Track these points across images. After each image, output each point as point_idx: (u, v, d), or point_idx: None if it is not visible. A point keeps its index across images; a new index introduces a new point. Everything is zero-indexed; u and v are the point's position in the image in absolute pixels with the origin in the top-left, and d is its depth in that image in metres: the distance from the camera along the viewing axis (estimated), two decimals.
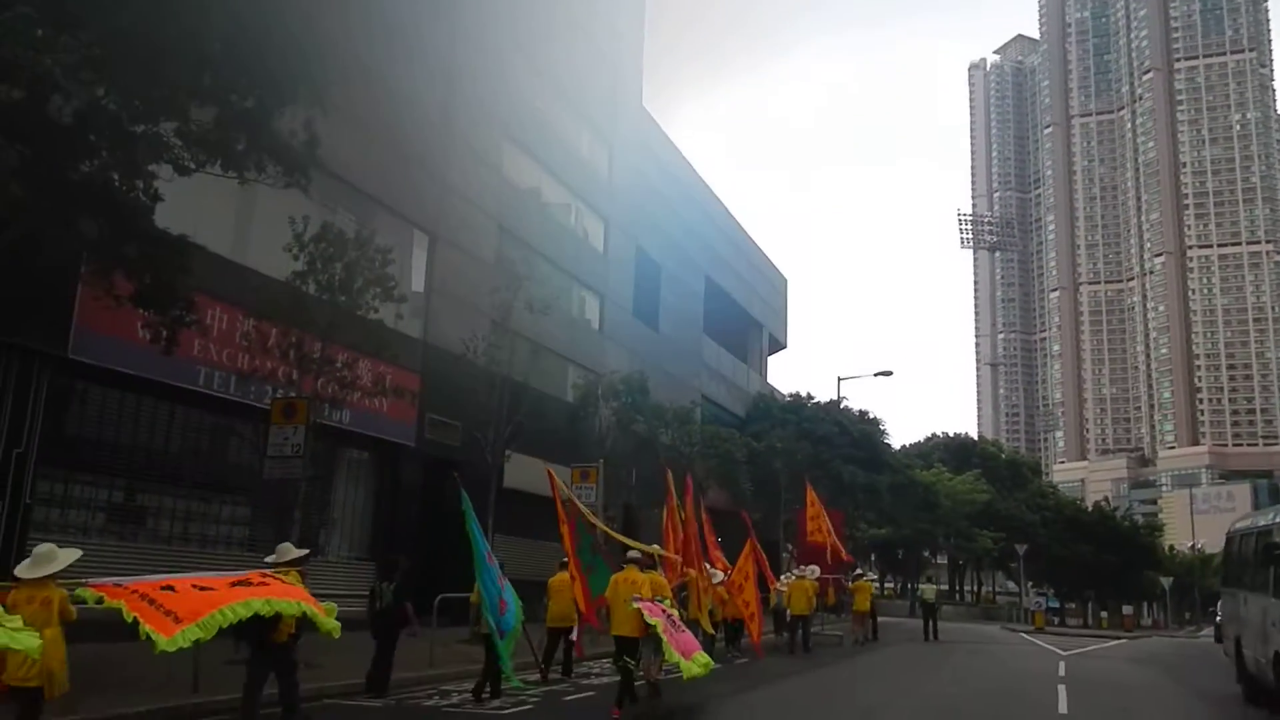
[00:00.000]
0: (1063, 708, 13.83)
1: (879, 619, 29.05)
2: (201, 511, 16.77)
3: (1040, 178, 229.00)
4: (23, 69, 8.94)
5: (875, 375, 43.48)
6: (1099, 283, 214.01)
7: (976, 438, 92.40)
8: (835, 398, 44.97)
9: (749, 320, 48.79)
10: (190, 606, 7.14)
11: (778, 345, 53.81)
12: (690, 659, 11.00)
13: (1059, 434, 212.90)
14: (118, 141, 10.92)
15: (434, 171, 22.88)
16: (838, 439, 42.70)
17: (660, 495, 27.24)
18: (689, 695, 12.56)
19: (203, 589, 7.54)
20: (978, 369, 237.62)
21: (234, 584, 7.86)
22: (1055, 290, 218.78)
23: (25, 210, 10.79)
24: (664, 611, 11.31)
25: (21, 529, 13.15)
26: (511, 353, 21.02)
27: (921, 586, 36.63)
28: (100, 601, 7.02)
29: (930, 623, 29.25)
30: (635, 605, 11.05)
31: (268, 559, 9.82)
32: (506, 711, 11.12)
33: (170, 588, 7.38)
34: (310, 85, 12.01)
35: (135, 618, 6.85)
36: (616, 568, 12.43)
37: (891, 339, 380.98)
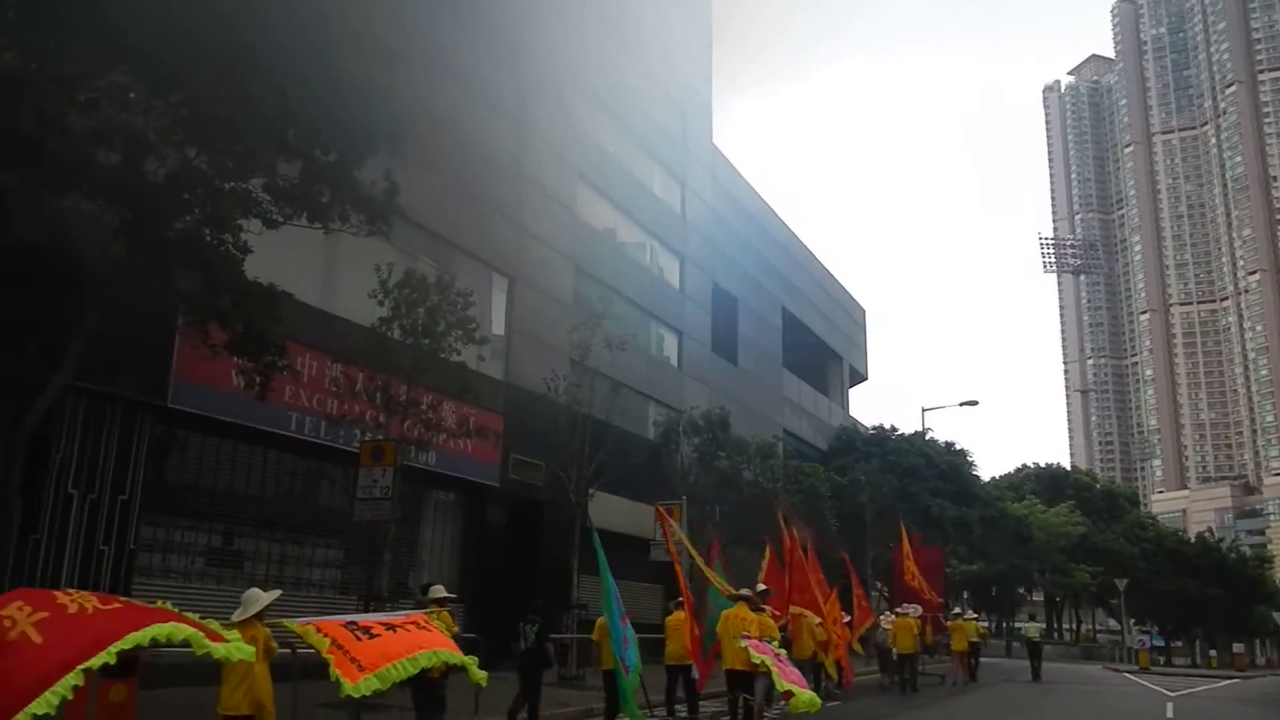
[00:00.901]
0: None
1: (980, 659, 28.20)
2: (295, 555, 17.13)
3: (1123, 198, 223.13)
4: (120, 133, 9.37)
5: (960, 405, 42.74)
6: (1191, 303, 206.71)
7: (1069, 467, 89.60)
8: (920, 429, 44.19)
9: (828, 352, 48.33)
10: (371, 658, 7.71)
11: (859, 377, 53.13)
12: (800, 690, 11.33)
13: (1156, 462, 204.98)
14: (208, 198, 11.37)
15: (510, 215, 23.30)
16: (924, 471, 41.82)
17: (745, 532, 27.19)
18: None
19: (381, 633, 8.13)
20: (1068, 396, 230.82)
21: (407, 624, 8.50)
22: (1145, 313, 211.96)
23: (125, 268, 11.29)
24: (773, 651, 11.63)
25: (126, 574, 13.59)
26: (592, 391, 21.17)
27: (1024, 625, 35.40)
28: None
29: (1036, 662, 28.27)
30: (743, 644, 11.38)
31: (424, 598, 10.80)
32: None
33: (354, 624, 8.14)
34: (388, 137, 12.38)
35: (330, 660, 7.55)
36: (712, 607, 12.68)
37: (976, 367, 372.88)
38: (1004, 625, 66.15)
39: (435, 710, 9.64)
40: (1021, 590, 70.74)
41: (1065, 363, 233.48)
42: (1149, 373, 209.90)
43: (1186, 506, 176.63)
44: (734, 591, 13.87)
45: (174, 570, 14.92)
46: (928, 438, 44.22)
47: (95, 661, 5.82)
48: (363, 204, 12.89)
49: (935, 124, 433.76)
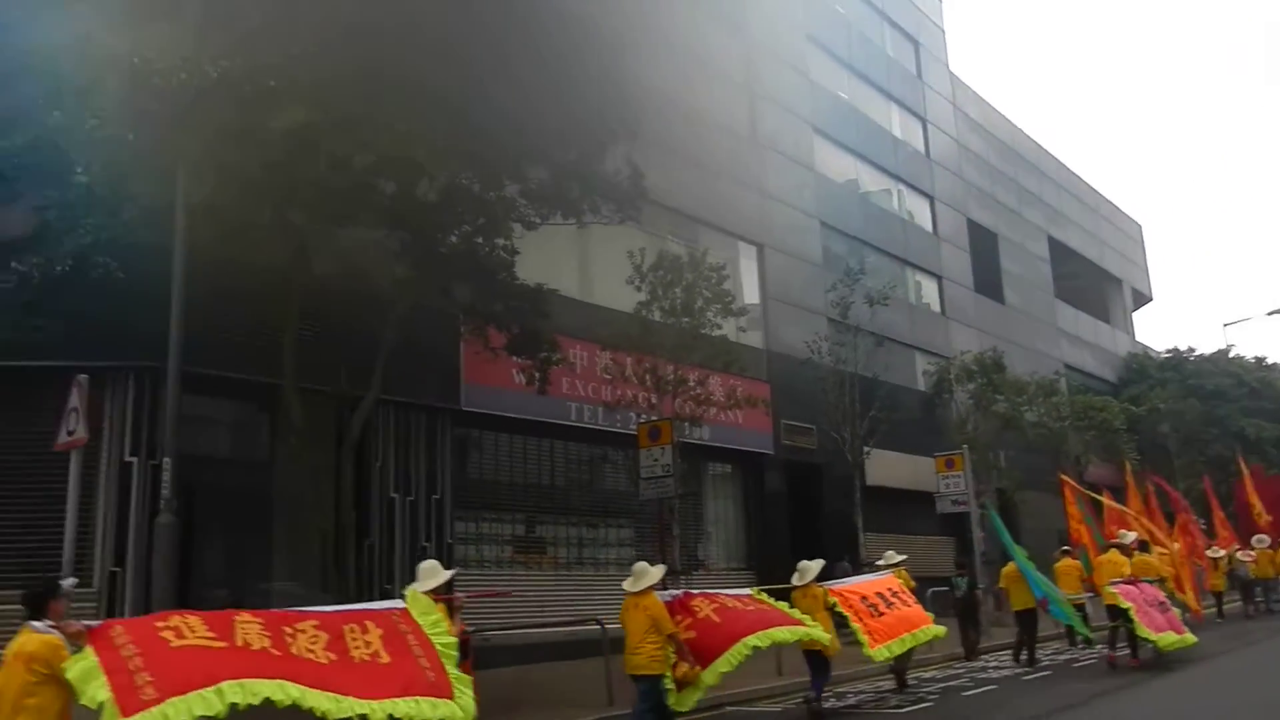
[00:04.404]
0: None
1: None
2: (591, 537, 18.01)
3: None
4: (396, 161, 10.16)
5: (1269, 315, 38.23)
6: None
7: None
8: (1222, 347, 40.06)
9: (1104, 276, 44.73)
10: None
11: (1142, 299, 48.82)
12: (1161, 634, 12.91)
13: None
14: (477, 211, 12.13)
15: (750, 182, 23.23)
16: (1233, 392, 37.90)
17: (1035, 475, 25.81)
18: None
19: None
20: None
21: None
22: None
23: (410, 286, 12.25)
24: (1144, 594, 13.21)
25: (447, 567, 14.77)
26: (855, 349, 20.85)
27: None
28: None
29: None
30: (1111, 589, 13.03)
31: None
32: (904, 710, 10.91)
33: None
34: (626, 125, 12.67)
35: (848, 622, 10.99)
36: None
37: None
38: None
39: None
40: None
41: None
42: None
43: None
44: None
45: (487, 560, 16.12)
46: (1231, 355, 40.05)
47: (755, 640, 9.10)
48: (610, 194, 13.31)
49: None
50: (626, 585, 8.66)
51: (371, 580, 13.41)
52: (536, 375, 13.80)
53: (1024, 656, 14.07)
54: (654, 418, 15.29)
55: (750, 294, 22.60)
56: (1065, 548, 17.65)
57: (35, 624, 5.14)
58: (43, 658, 4.99)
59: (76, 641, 5.17)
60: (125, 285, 10.06)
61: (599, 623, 12.56)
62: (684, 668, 8.45)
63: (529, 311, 13.16)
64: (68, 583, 5.54)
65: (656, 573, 8.72)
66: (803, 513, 21.91)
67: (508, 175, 12.29)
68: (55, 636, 5.09)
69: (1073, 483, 18.49)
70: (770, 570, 19.88)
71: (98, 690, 4.85)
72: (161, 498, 9.51)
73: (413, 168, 10.41)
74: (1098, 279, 44.22)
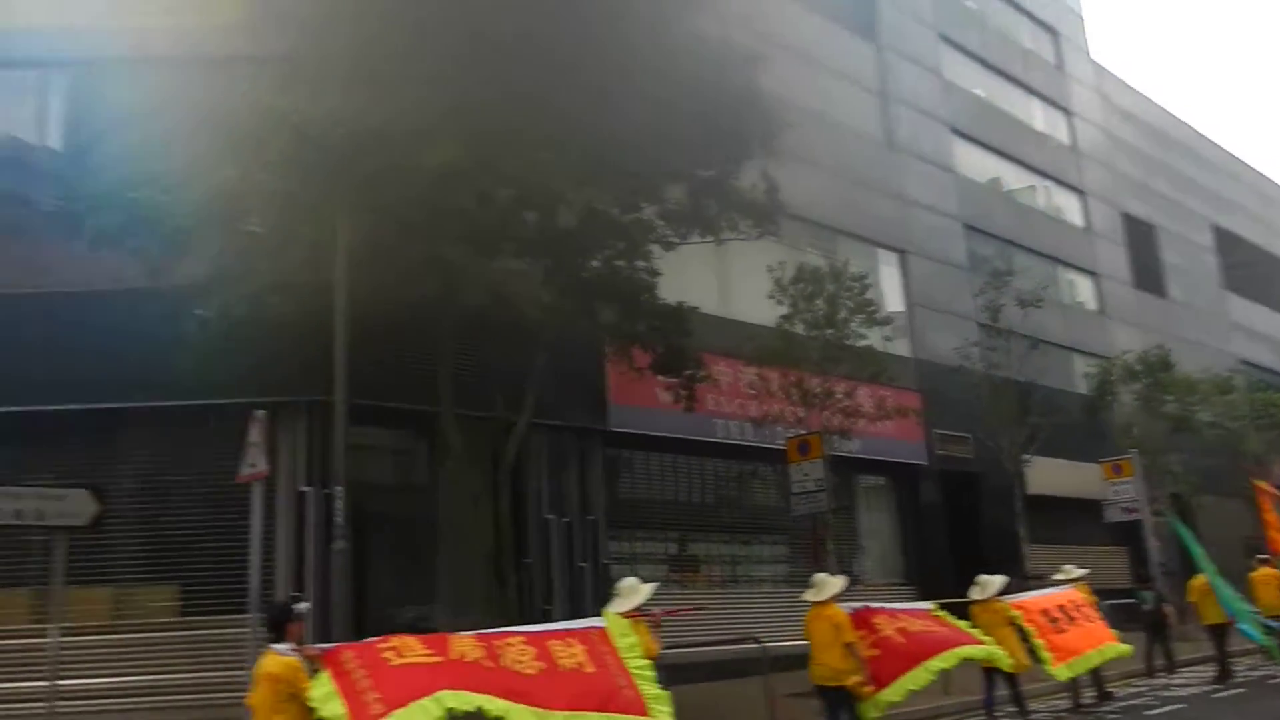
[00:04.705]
0: None
1: None
2: (745, 554, 17.93)
3: None
4: (536, 193, 10.47)
5: None
6: None
7: None
8: None
9: (1277, 264, 41.80)
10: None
11: None
12: None
13: None
14: (615, 235, 12.33)
15: (888, 188, 22.83)
16: None
17: (1212, 479, 24.28)
18: None
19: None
20: None
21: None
22: None
23: (556, 312, 12.54)
24: None
25: (604, 587, 15.00)
26: (1008, 353, 20.13)
27: None
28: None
29: None
30: None
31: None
32: (1155, 711, 10.47)
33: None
34: (760, 139, 12.67)
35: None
36: None
37: None
38: None
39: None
40: None
41: None
42: None
43: None
44: None
45: (642, 579, 16.20)
46: None
47: (939, 663, 9.04)
48: (747, 209, 13.32)
49: None
50: (808, 596, 8.93)
51: (531, 600, 13.72)
52: (683, 393, 13.89)
53: (1217, 671, 13.54)
54: (802, 432, 15.13)
55: (894, 302, 22.15)
56: (1262, 556, 16.38)
57: (277, 647, 5.66)
58: (285, 679, 5.49)
59: (314, 664, 5.67)
60: (294, 324, 10.63)
61: (756, 641, 12.48)
62: (856, 679, 8.47)
63: (672, 330, 13.27)
64: (302, 606, 6.05)
65: (838, 583, 8.92)
66: (961, 524, 21.23)
67: (645, 197, 12.46)
68: (295, 659, 5.59)
69: (1269, 486, 17.35)
70: (929, 584, 19.33)
71: (335, 708, 5.39)
72: (334, 524, 10.00)
73: (553, 197, 10.69)
74: (1269, 267, 41.32)
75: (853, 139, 22.13)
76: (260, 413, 10.11)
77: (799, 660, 14.45)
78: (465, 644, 6.16)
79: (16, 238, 12.63)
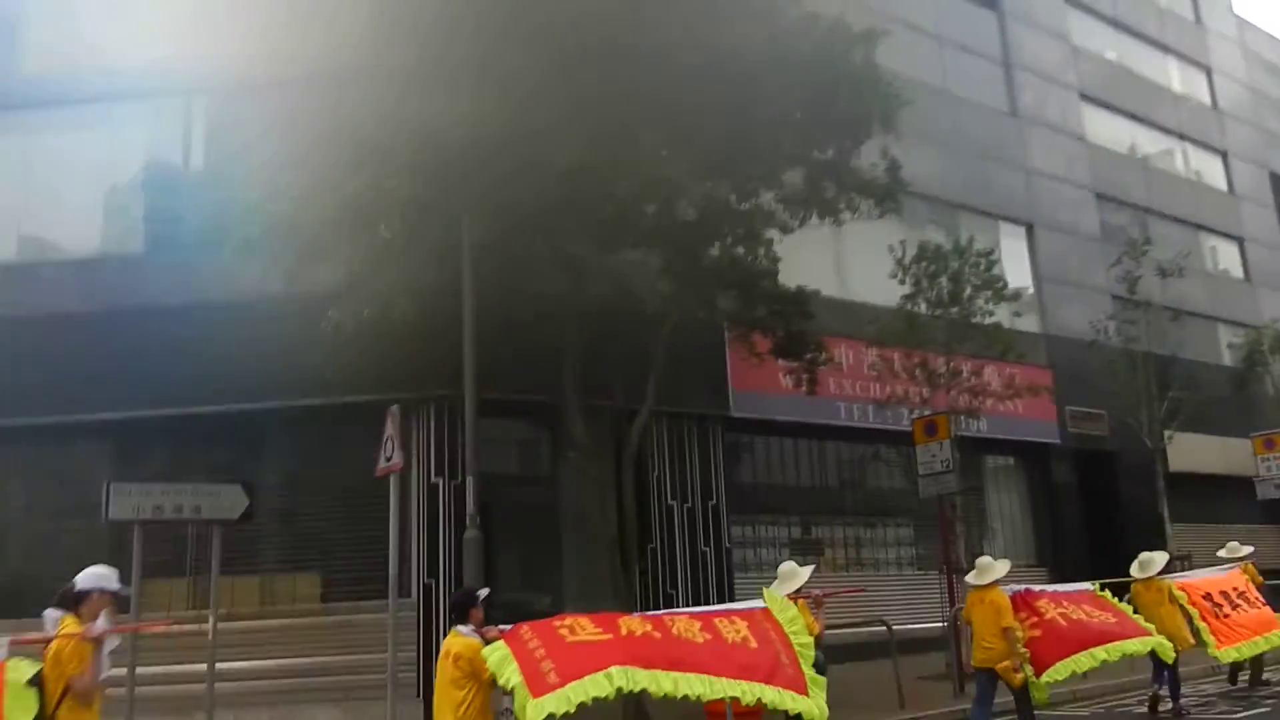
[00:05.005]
0: None
1: None
2: (869, 537, 17.71)
3: None
4: (658, 186, 10.55)
5: None
6: None
7: None
8: None
9: None
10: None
11: None
12: None
13: None
14: (733, 221, 12.31)
15: (1013, 160, 22.06)
16: None
17: None
18: None
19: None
20: None
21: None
22: None
23: (676, 301, 12.62)
24: None
25: (727, 572, 15.10)
26: (1147, 326, 19.27)
27: None
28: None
29: None
30: None
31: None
32: (1239, 714, 10.03)
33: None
34: (880, 117, 12.44)
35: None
36: None
37: None
38: None
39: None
40: None
41: None
42: None
43: None
44: None
45: (765, 563, 16.22)
46: None
47: (1103, 653, 8.94)
48: (866, 188, 13.11)
49: None
50: (970, 579, 9.09)
51: (657, 586, 13.91)
52: (804, 377, 13.80)
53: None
54: (928, 412, 14.85)
55: (1021, 277, 21.42)
56: None
57: (461, 628, 6.13)
58: (466, 657, 5.92)
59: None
60: (422, 323, 11.00)
61: (885, 624, 12.38)
62: (1006, 663, 8.49)
63: (793, 314, 13.19)
64: (483, 592, 6.45)
65: (1001, 566, 9.02)
66: (1097, 504, 20.49)
67: (762, 183, 12.40)
68: (477, 640, 6.02)
69: None
70: (1063, 567, 18.78)
71: (511, 674, 5.76)
72: (466, 514, 10.35)
73: (672, 188, 10.74)
74: None
75: (974, 110, 21.46)
76: (395, 408, 10.54)
77: (927, 644, 14.40)
78: (633, 622, 6.44)
79: (169, 253, 13.47)
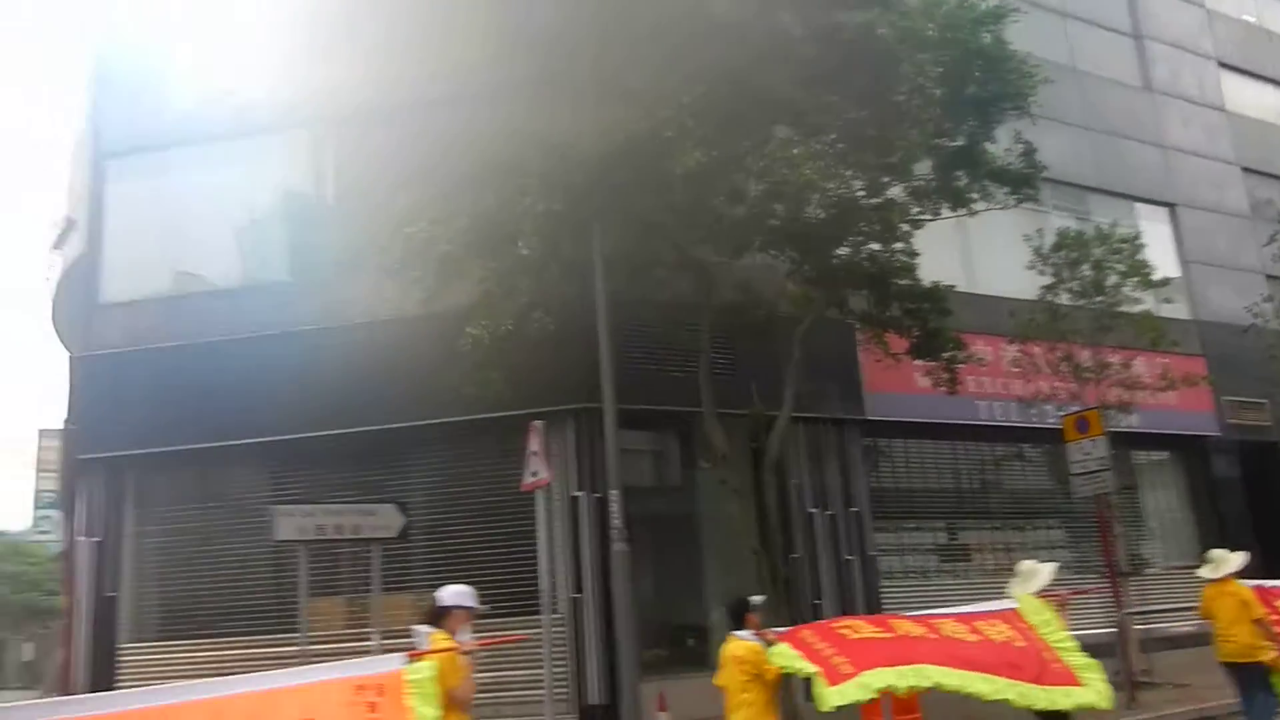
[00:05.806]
0: None
1: None
2: (1018, 540, 16.95)
3: None
4: (789, 185, 10.33)
5: None
6: None
7: None
8: None
9: None
10: None
11: None
12: None
13: None
14: (864, 218, 11.97)
15: (1150, 137, 20.99)
16: None
17: None
18: None
19: None
20: None
21: None
22: None
23: (807, 303, 12.35)
24: None
25: (872, 580, 14.68)
26: None
27: None
28: None
29: None
30: None
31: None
32: None
33: None
34: (1012, 100, 11.99)
35: None
36: None
37: None
38: None
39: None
40: None
41: None
42: None
43: None
44: None
45: (912, 570, 15.75)
46: None
47: None
48: (1000, 175, 12.64)
49: None
50: (1204, 573, 8.80)
51: (801, 595, 13.60)
52: (943, 376, 13.33)
53: None
54: (1076, 408, 14.16)
55: (1166, 261, 20.31)
56: None
57: (740, 633, 6.31)
58: (749, 660, 6.10)
59: (773, 646, 6.21)
60: (557, 336, 11.03)
61: None
62: (1273, 654, 8.20)
63: (930, 312, 12.76)
64: (757, 599, 6.60)
65: (1237, 559, 8.72)
66: (1262, 499, 19.24)
67: (895, 175, 12.04)
68: (757, 644, 6.19)
69: None
70: None
71: (805, 665, 5.94)
72: (612, 527, 10.30)
73: (802, 187, 10.50)
74: None
75: (1105, 87, 20.52)
76: (539, 423, 10.59)
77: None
78: (906, 623, 6.51)
79: (310, 279, 13.92)
